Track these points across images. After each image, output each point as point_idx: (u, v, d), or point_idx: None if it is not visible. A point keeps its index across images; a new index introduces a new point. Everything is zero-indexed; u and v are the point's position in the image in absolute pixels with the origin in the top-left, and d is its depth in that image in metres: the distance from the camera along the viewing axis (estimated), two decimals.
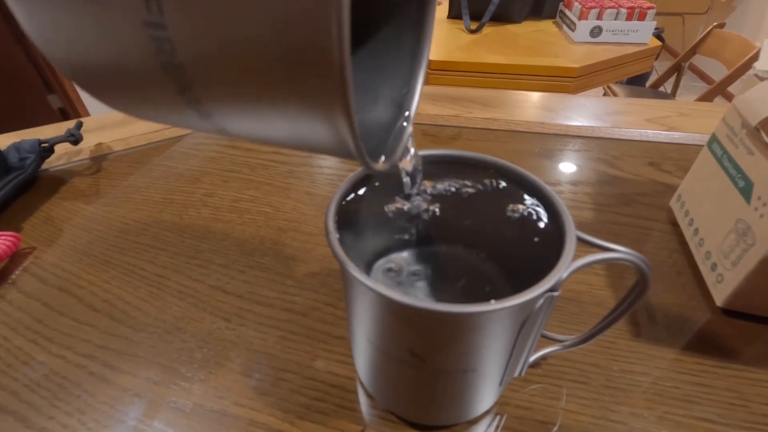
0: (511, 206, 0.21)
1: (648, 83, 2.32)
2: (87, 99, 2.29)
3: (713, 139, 0.30)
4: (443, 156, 0.22)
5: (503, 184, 0.21)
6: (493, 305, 0.13)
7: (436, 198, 0.23)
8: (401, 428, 0.23)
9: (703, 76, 2.78)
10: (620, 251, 0.17)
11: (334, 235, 0.17)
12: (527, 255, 0.21)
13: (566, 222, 0.17)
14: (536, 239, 0.20)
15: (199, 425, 0.23)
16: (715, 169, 0.29)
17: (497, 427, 0.23)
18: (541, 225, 0.19)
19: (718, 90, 1.42)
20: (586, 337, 0.21)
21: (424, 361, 0.17)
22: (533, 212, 0.20)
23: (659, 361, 0.26)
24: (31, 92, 2.17)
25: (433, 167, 0.22)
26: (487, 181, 0.21)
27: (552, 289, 0.15)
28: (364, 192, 0.21)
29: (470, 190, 0.22)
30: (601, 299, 0.29)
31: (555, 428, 0.22)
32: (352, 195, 0.20)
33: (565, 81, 1.30)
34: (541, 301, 0.16)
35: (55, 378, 0.25)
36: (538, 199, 0.19)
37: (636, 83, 2.34)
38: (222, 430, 0.23)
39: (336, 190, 0.19)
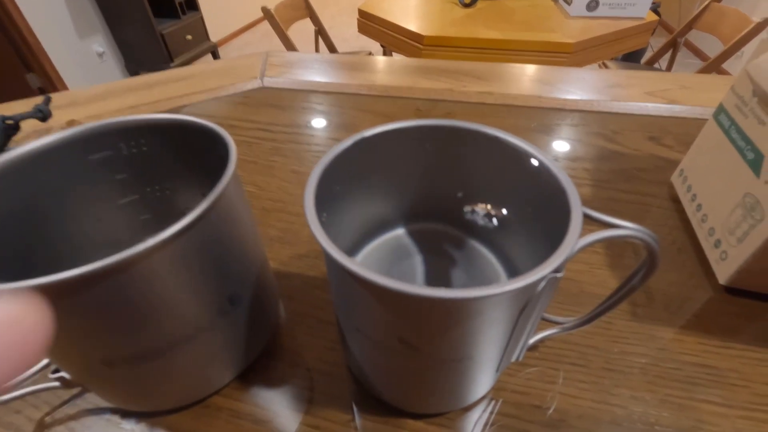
0: (510, 181, 0.19)
1: (643, 60, 2.29)
2: (68, 77, 2.21)
3: (720, 110, 0.29)
4: (441, 126, 0.20)
5: (503, 157, 0.19)
6: (494, 289, 0.12)
7: (433, 168, 0.21)
8: (392, 417, 0.22)
9: (698, 53, 2.75)
10: (629, 228, 0.15)
11: (314, 215, 0.15)
12: (527, 233, 0.20)
13: (571, 198, 0.15)
14: (537, 216, 0.18)
15: (180, 417, 0.22)
16: (721, 141, 0.28)
17: (491, 412, 0.22)
18: (543, 201, 0.18)
19: (714, 66, 1.39)
20: (588, 318, 0.20)
21: (416, 349, 0.16)
22: (534, 187, 0.18)
23: (660, 341, 0.25)
24: (8, 71, 2.08)
25: (431, 137, 0.20)
26: (485, 154, 0.20)
27: (556, 270, 0.14)
28: (350, 166, 0.19)
29: (467, 163, 0.20)
30: (601, 279, 0.28)
31: (552, 412, 0.22)
32: (336, 170, 0.18)
33: (560, 57, 1.27)
34: (543, 283, 0.14)
35: None
36: (540, 174, 0.18)
37: (631, 60, 2.30)
38: (204, 422, 0.21)
39: (317, 164, 0.17)
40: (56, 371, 0.20)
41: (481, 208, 0.20)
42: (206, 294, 0.17)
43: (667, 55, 1.72)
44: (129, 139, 0.21)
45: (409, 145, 0.20)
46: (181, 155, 0.22)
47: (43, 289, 0.13)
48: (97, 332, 0.15)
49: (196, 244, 0.16)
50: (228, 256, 0.18)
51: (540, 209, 0.18)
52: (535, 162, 0.18)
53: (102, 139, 0.20)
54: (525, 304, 0.15)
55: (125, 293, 0.15)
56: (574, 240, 0.14)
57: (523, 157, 0.18)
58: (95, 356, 0.16)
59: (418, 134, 0.20)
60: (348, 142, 0.18)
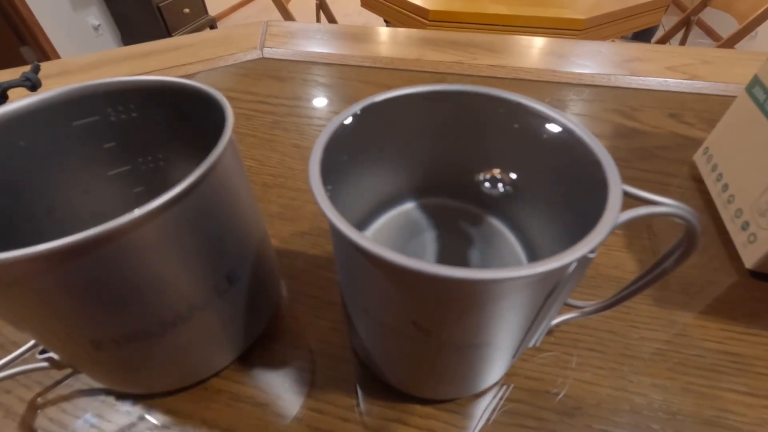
0: (533, 152, 0.18)
1: (654, 39, 2.22)
2: (63, 51, 2.16)
3: (755, 82, 0.27)
4: (458, 91, 0.18)
5: (527, 125, 0.17)
6: (525, 270, 0.10)
7: (448, 138, 0.19)
8: (399, 402, 0.20)
9: (710, 33, 2.67)
10: (669, 205, 0.14)
11: (320, 186, 0.13)
12: (549, 210, 0.18)
13: (609, 171, 0.14)
14: (563, 191, 0.17)
15: (178, 399, 0.21)
16: (754, 116, 0.26)
17: (504, 399, 0.21)
18: (572, 174, 0.16)
19: (727, 46, 1.35)
20: (611, 302, 0.19)
21: (430, 334, 0.14)
22: (562, 159, 0.16)
23: (681, 327, 0.23)
24: (1, 44, 2.02)
25: (446, 104, 0.18)
26: (506, 122, 0.18)
27: (592, 250, 0.12)
28: (359, 134, 0.17)
29: (486, 132, 0.19)
30: (618, 261, 0.27)
31: (568, 399, 0.20)
32: (344, 138, 0.16)
33: (570, 34, 1.23)
34: (575, 265, 0.13)
35: None
36: (570, 144, 0.16)
37: (641, 39, 2.24)
38: (203, 404, 0.20)
39: (322, 132, 0.16)
40: (44, 351, 0.19)
41: (500, 176, 0.18)
42: (201, 271, 0.16)
43: (679, 35, 1.66)
44: (116, 103, 0.20)
45: (423, 113, 0.18)
46: (175, 122, 0.20)
47: (23, 263, 0.12)
48: (83, 311, 0.14)
49: (189, 216, 0.14)
50: (224, 230, 0.16)
51: (568, 184, 0.16)
52: (564, 131, 0.16)
53: (86, 103, 0.19)
54: (554, 287, 0.13)
55: (111, 269, 0.13)
56: (614, 216, 0.12)
57: (551, 125, 0.16)
58: (82, 336, 0.15)
59: (432, 100, 0.18)
60: (356, 108, 0.17)
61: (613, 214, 0.12)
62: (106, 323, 0.15)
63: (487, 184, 0.20)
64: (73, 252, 0.12)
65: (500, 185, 0.20)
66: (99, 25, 2.32)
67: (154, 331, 0.16)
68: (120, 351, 0.16)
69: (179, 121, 0.20)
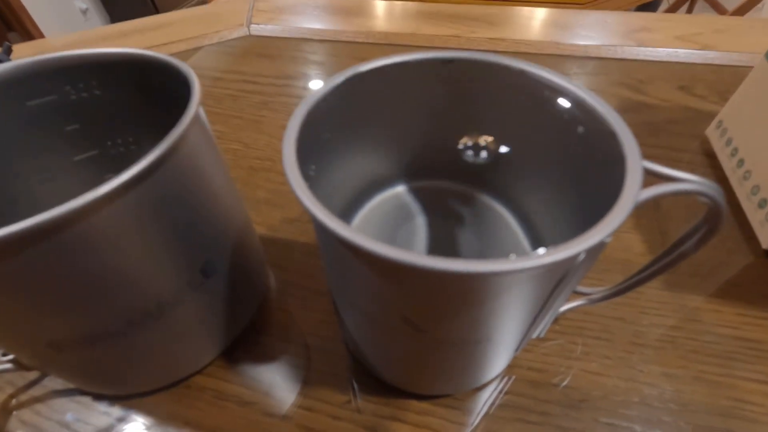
0: (537, 126, 0.16)
1: (658, 12, 2.16)
2: (51, 35, 2.10)
3: None
4: (453, 59, 0.16)
5: (530, 96, 0.15)
6: (532, 261, 0.09)
7: (443, 112, 0.17)
8: (395, 398, 0.19)
9: (715, 6, 2.60)
10: (693, 181, 0.12)
11: (296, 167, 0.12)
12: (555, 190, 0.17)
13: (626, 143, 0.12)
14: (571, 169, 0.15)
15: (158, 399, 0.19)
16: None
17: (505, 392, 0.19)
18: (582, 150, 0.14)
19: None
20: (623, 288, 0.17)
21: (423, 331, 0.13)
22: (571, 133, 0.15)
23: (694, 312, 0.22)
24: None
25: (441, 73, 0.16)
26: (507, 93, 0.16)
27: (609, 234, 0.11)
28: (342, 108, 0.15)
29: (485, 105, 0.17)
30: (627, 243, 0.25)
31: (574, 391, 0.19)
32: (325, 113, 0.15)
33: (571, 7, 1.19)
34: (585, 253, 0.11)
35: None
36: (581, 115, 0.14)
37: (646, 12, 2.18)
38: (185, 403, 0.19)
39: (300, 104, 0.14)
40: (7, 353, 0.17)
41: (500, 152, 0.17)
42: (170, 263, 0.14)
43: (684, 8, 1.61)
44: (76, 80, 0.18)
45: (414, 84, 0.17)
46: (143, 101, 0.19)
47: None
48: (34, 310, 0.13)
49: (152, 201, 0.13)
50: (196, 217, 0.15)
51: (577, 160, 0.15)
52: (574, 100, 0.14)
53: (40, 80, 0.17)
54: (562, 276, 0.12)
55: (63, 262, 0.12)
56: (634, 195, 0.10)
57: (558, 95, 0.15)
58: (38, 338, 0.14)
59: (424, 69, 0.16)
60: (339, 79, 0.15)
61: (633, 192, 0.10)
62: (62, 324, 0.13)
63: (486, 162, 0.18)
64: (15, 243, 0.11)
65: (501, 164, 0.18)
66: (87, 8, 2.25)
67: (120, 331, 0.14)
68: (84, 353, 0.14)
69: (147, 99, 0.18)
